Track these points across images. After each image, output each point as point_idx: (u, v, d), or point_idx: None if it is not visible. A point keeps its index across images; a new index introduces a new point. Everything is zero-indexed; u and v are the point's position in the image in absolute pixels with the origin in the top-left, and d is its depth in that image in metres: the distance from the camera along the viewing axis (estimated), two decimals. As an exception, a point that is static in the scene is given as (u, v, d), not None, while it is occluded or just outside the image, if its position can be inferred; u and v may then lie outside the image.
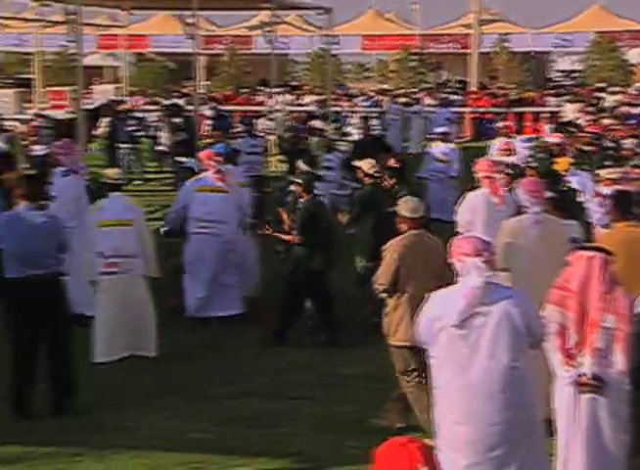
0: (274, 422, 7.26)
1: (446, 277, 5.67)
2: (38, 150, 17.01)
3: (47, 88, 27.80)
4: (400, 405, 6.94)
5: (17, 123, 22.75)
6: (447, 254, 5.30)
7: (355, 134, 19.80)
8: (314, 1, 23.04)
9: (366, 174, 10.07)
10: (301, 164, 10.82)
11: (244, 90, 32.69)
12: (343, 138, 19.50)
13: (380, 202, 9.54)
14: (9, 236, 7.34)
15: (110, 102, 21.70)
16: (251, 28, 33.44)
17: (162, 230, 10.52)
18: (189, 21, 17.71)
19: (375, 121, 23.70)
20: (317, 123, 20.15)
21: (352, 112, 26.57)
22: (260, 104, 28.30)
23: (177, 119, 19.26)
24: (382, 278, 6.78)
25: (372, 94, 31.39)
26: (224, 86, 36.59)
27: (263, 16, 24.71)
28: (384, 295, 6.87)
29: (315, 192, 9.63)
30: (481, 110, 29.04)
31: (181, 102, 27.78)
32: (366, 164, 10.14)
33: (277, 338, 9.16)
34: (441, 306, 5.04)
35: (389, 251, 6.81)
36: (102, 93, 27.39)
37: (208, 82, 37.55)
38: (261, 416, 7.38)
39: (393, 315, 6.78)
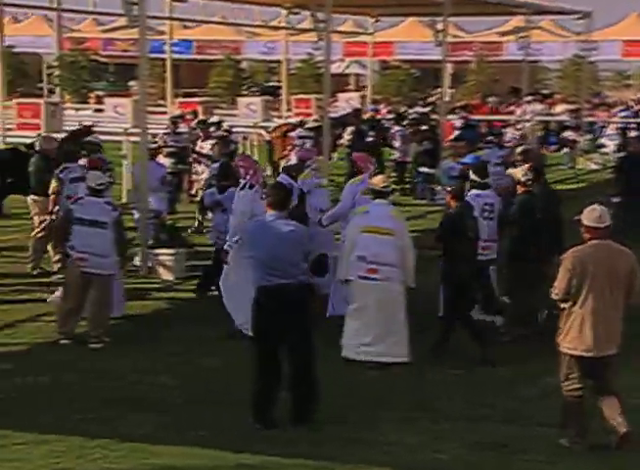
0: (521, 448, 7.12)
1: (635, 287, 6.51)
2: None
3: (293, 96, 28.74)
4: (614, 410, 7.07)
5: (262, 132, 23.76)
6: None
7: (611, 146, 19.03)
8: (572, 5, 22.38)
9: (519, 182, 10.11)
10: (471, 174, 10.67)
11: (491, 99, 32.34)
12: (599, 150, 18.82)
13: (533, 209, 9.95)
14: (258, 244, 7.61)
15: (355, 110, 22.11)
16: (502, 34, 33.03)
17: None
18: (439, 27, 17.74)
19: (634, 133, 22.65)
20: (570, 134, 19.59)
21: (609, 122, 25.58)
22: (509, 113, 27.87)
23: (423, 128, 19.37)
24: (557, 287, 7.08)
25: (631, 104, 30.08)
26: (470, 94, 36.40)
27: (516, 21, 24.34)
28: (562, 304, 7.12)
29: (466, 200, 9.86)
30: None
31: (426, 110, 28.00)
32: (519, 172, 10.17)
33: (435, 352, 9.31)
34: None
35: (565, 260, 7.05)
36: (346, 101, 27.96)
37: (452, 90, 37.49)
38: (507, 442, 7.25)
39: (566, 322, 7.07)
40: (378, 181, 9.49)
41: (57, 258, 11.70)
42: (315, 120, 22.98)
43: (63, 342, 9.60)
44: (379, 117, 30.84)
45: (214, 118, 19.97)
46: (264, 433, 7.34)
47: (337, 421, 7.57)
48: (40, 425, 7.34)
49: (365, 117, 23.19)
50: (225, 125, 18.89)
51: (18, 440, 7.06)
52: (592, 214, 7.00)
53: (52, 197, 11.96)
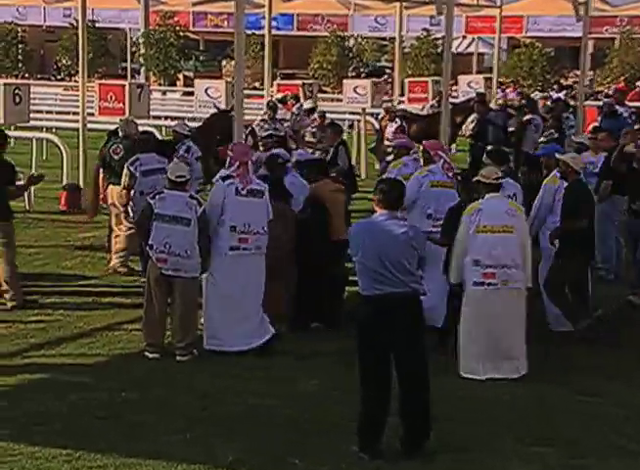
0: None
1: None
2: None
3: (407, 79, 28.68)
4: None
5: (371, 119, 23.72)
6: None
7: None
8: None
9: None
10: None
11: (638, 83, 31.68)
12: None
13: None
14: (365, 247, 7.59)
15: (480, 96, 21.92)
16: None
17: None
18: None
19: None
20: None
21: None
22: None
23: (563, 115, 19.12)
24: None
25: None
26: (613, 77, 35.71)
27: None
28: None
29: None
30: None
31: (561, 95, 27.57)
32: None
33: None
34: None
35: None
36: (468, 84, 27.74)
37: (592, 72, 36.88)
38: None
39: None
40: (489, 173, 9.46)
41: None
42: (432, 106, 22.93)
43: (149, 355, 9.75)
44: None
45: (307, 104, 20.04)
46: (370, 464, 7.34)
47: (453, 450, 7.53)
48: (127, 449, 7.49)
49: (496, 102, 22.88)
50: (320, 111, 18.88)
51: (93, 462, 7.26)
52: None
53: (124, 192, 12.27)
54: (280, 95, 21.43)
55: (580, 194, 10.51)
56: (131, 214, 12.19)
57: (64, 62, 42.14)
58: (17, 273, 11.41)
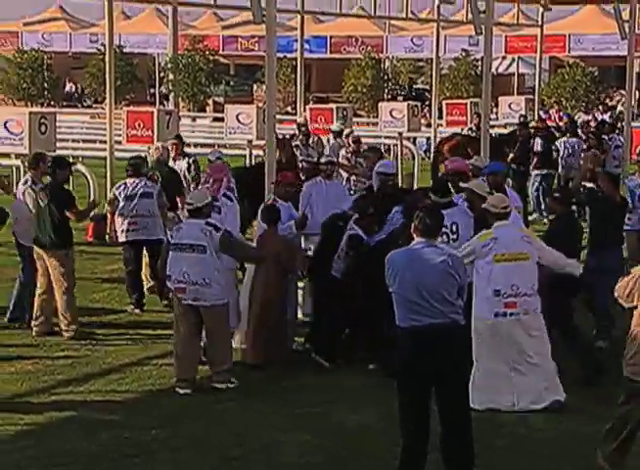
0: None
1: None
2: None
3: (445, 101, 28.77)
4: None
5: (410, 145, 23.76)
6: None
7: None
8: None
9: None
10: None
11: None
12: None
13: None
14: (402, 277, 7.59)
15: (524, 120, 21.94)
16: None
17: None
18: (625, 15, 17.44)
19: None
20: None
21: None
22: None
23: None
24: None
25: None
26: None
27: None
28: None
29: None
30: None
31: (606, 116, 27.53)
32: None
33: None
34: None
35: None
36: (509, 106, 27.77)
37: (638, 92, 36.74)
38: None
39: None
40: (498, 202, 9.54)
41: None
42: (470, 129, 22.93)
43: (180, 391, 9.79)
44: (550, 123, 30.61)
45: (335, 127, 20.10)
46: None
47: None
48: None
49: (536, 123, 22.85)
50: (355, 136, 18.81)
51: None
52: None
53: (109, 217, 12.77)
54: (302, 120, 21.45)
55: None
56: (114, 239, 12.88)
57: (82, 87, 42.57)
58: (74, 304, 11.62)
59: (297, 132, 19.22)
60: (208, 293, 9.79)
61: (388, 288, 7.69)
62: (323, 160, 13.79)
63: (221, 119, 25.08)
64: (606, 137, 19.85)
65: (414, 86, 46.77)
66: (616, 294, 7.67)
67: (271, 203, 11.24)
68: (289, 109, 35.09)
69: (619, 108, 33.55)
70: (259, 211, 11.25)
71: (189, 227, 9.98)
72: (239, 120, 19.95)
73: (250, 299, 10.76)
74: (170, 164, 14.76)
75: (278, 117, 23.23)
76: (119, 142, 18.33)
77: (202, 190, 11.02)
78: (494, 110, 28.28)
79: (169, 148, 15.02)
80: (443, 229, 9.72)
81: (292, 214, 11.46)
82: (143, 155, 14.33)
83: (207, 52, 40.11)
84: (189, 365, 9.92)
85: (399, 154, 23.79)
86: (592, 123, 24.63)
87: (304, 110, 24.43)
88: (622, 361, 7.56)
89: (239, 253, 10.40)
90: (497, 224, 9.39)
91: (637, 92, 35.99)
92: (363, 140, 19.28)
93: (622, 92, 29.11)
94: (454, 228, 10.15)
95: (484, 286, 9.21)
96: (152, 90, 45.65)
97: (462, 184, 10.76)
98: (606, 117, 27.63)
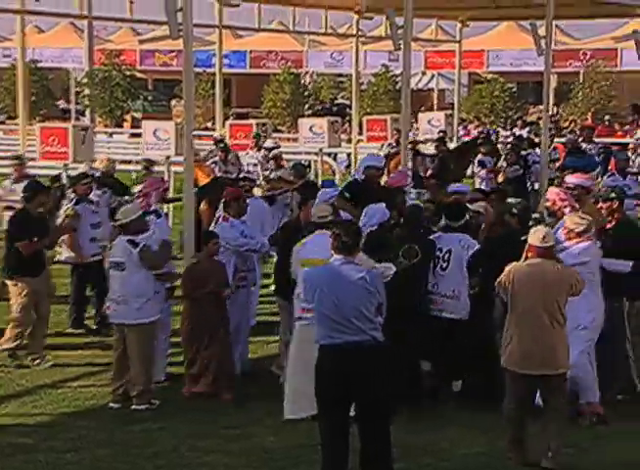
0: None
1: None
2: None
3: (365, 117, 28.92)
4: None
5: (330, 161, 23.87)
6: None
7: None
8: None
9: None
10: None
11: (607, 117, 32.15)
12: None
13: None
14: (321, 294, 7.64)
15: (443, 135, 22.17)
16: (618, 40, 32.92)
17: None
18: (541, 32, 17.72)
19: None
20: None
21: None
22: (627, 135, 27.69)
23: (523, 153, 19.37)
24: None
25: None
26: (580, 113, 36.19)
27: (636, 24, 24.26)
28: None
29: None
30: None
31: (524, 132, 27.91)
32: None
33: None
34: None
35: None
36: (428, 122, 28.02)
37: (556, 108, 37.36)
38: None
39: None
40: (316, 210, 9.89)
41: None
42: (389, 145, 23.11)
43: (111, 405, 9.86)
44: (467, 139, 30.90)
45: (268, 144, 20.03)
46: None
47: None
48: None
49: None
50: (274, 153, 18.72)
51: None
52: None
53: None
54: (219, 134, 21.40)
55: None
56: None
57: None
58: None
59: (214, 148, 19.17)
60: (128, 312, 9.76)
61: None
62: (241, 176, 13.80)
63: (139, 135, 24.95)
64: (524, 153, 20.12)
65: (335, 101, 46.95)
66: None
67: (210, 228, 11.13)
68: (208, 124, 34.95)
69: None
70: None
71: (116, 244, 10.01)
72: (156, 136, 19.85)
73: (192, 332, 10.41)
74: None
75: (197, 132, 23.21)
76: (33, 159, 18.07)
77: (133, 205, 10.88)
78: (414, 125, 28.51)
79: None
80: (437, 253, 10.03)
81: (244, 231, 11.20)
82: (58, 173, 14.18)
83: (124, 67, 39.81)
84: (116, 380, 9.93)
85: (320, 170, 23.88)
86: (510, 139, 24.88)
87: (224, 125, 24.38)
88: None
89: (152, 263, 9.94)
90: (315, 233, 9.63)
91: (554, 107, 36.59)
92: (283, 156, 19.33)
93: (540, 107, 29.53)
94: (447, 256, 10.11)
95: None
96: (62, 105, 45.13)
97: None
98: (524, 132, 27.99)
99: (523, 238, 9.01)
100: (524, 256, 8.61)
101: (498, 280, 8.52)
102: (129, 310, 9.76)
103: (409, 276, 9.59)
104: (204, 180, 15.18)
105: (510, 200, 11.87)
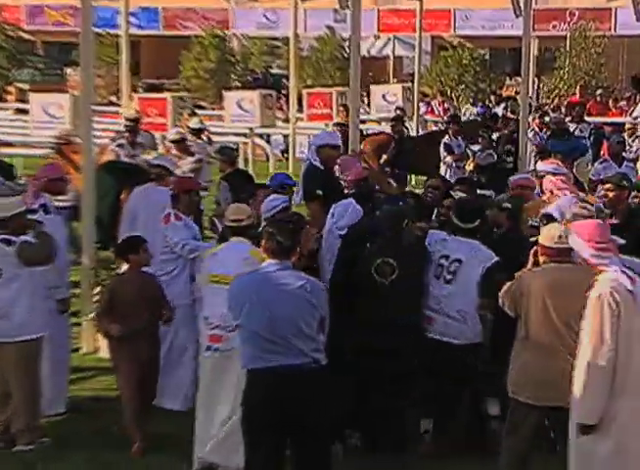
0: None
1: None
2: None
3: (305, 90, 28.94)
4: None
5: (263, 143, 23.83)
6: None
7: None
8: None
9: None
10: None
11: (598, 92, 32.43)
12: None
13: None
14: (250, 307, 7.61)
15: (401, 114, 22.24)
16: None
17: None
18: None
19: None
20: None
21: None
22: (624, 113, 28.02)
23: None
24: None
25: None
26: (566, 86, 36.49)
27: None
28: None
29: None
30: None
31: (498, 110, 28.12)
32: None
33: None
34: None
35: None
36: (383, 97, 28.11)
37: (538, 79, 37.63)
38: None
39: None
40: (230, 211, 9.69)
41: None
42: (336, 124, 23.12)
43: None
44: (430, 117, 31.11)
45: (194, 124, 19.94)
46: None
47: None
48: None
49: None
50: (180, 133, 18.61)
51: None
52: None
53: None
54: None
55: None
56: None
57: None
58: None
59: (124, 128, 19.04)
60: (6, 327, 9.65)
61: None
62: (154, 162, 13.68)
63: (25, 112, 24.75)
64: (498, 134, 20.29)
65: (269, 71, 46.97)
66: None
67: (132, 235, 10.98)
68: (112, 98, 34.79)
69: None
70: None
71: None
72: (47, 113, 19.72)
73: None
74: None
75: (98, 108, 23.06)
76: None
77: (15, 198, 10.74)
78: (365, 101, 28.58)
79: None
80: (441, 261, 9.68)
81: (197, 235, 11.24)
82: None
83: (8, 26, 39.58)
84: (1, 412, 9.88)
85: (250, 155, 23.87)
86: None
87: (132, 99, 24.25)
88: None
89: (42, 259, 9.78)
90: (231, 240, 9.50)
91: (536, 79, 36.86)
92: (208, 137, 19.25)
93: (519, 79, 29.75)
94: (453, 267, 9.74)
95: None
96: None
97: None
98: (499, 109, 28.20)
99: (532, 239, 8.90)
100: (530, 260, 8.48)
101: (504, 291, 8.39)
102: (9, 325, 9.64)
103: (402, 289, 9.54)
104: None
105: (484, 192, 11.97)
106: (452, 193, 11.46)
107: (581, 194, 11.34)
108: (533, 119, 22.45)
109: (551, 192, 10.77)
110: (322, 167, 12.06)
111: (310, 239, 9.49)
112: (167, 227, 11.05)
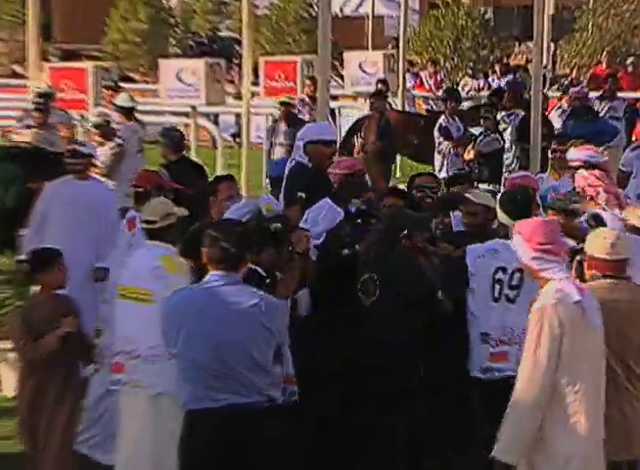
0: None
1: None
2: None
3: (262, 58, 28.94)
4: None
5: (209, 125, 23.82)
6: None
7: None
8: None
9: None
10: None
11: (629, 61, 32.59)
12: None
13: None
14: (192, 331, 7.61)
15: (382, 88, 22.36)
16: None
17: None
18: None
19: None
20: None
21: None
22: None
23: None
24: None
25: None
26: (589, 54, 36.67)
27: None
28: None
29: None
30: None
31: (502, 82, 28.24)
32: None
33: None
34: None
35: None
36: (360, 67, 28.15)
37: (554, 45, 37.77)
38: None
39: None
40: (143, 210, 9.77)
41: None
42: (302, 101, 23.12)
43: None
44: (418, 93, 31.20)
45: (123, 101, 19.89)
46: None
47: None
48: None
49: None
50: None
51: None
52: None
53: None
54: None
55: None
56: None
57: None
58: None
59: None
60: None
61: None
62: (82, 149, 13.63)
63: None
64: (504, 114, 20.29)
65: (217, 34, 47.01)
66: None
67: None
68: (17, 68, 34.76)
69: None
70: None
71: None
72: None
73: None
74: None
75: (-1, 80, 22.93)
76: None
77: None
78: (338, 71, 28.64)
79: None
80: (497, 275, 9.50)
81: None
82: None
83: None
84: None
85: (193, 139, 23.84)
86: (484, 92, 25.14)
87: (41, 70, 24.19)
88: None
89: None
90: (145, 244, 9.57)
91: (552, 44, 36.96)
92: (141, 118, 19.25)
93: (530, 44, 29.79)
94: (515, 280, 9.50)
95: None
96: None
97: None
98: (504, 82, 28.31)
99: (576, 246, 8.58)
100: (572, 274, 8.25)
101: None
102: None
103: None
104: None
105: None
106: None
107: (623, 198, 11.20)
108: (560, 97, 22.53)
109: (583, 190, 10.73)
110: (310, 165, 11.95)
111: (303, 238, 9.44)
112: (135, 234, 10.92)
